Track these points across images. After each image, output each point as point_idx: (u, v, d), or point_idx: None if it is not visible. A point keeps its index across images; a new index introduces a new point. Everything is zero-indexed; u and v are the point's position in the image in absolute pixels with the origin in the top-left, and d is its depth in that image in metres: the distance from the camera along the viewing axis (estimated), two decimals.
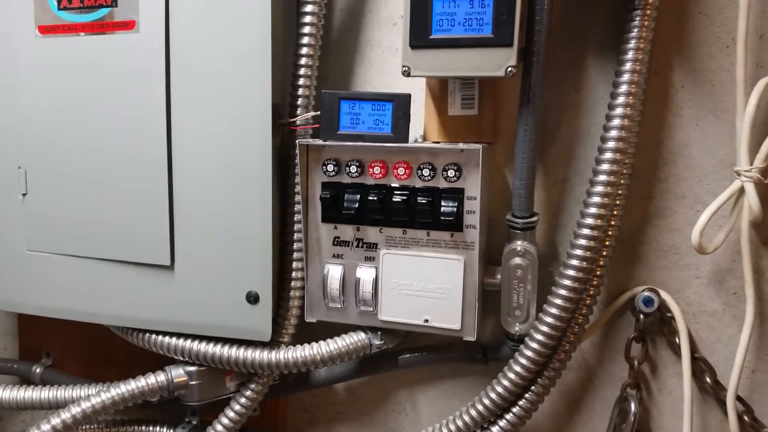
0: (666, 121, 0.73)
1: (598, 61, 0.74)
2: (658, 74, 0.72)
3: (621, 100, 0.65)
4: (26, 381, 1.01)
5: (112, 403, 0.77)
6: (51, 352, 1.02)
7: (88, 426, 0.90)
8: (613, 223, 0.70)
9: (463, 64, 0.65)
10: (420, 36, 0.65)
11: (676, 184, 0.74)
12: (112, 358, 0.98)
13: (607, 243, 0.71)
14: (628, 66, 0.65)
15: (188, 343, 0.78)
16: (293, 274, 0.78)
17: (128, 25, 0.73)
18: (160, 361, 0.82)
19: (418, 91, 0.77)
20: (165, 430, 0.90)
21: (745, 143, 0.66)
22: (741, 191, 0.67)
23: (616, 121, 0.65)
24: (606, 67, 0.73)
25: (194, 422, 0.90)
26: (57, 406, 0.84)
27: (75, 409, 0.76)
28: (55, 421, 0.76)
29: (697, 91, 0.71)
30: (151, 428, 0.92)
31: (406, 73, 0.66)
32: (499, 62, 0.63)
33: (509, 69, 0.63)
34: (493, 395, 0.73)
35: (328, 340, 0.78)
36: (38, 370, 1.00)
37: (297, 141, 0.72)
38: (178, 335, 0.79)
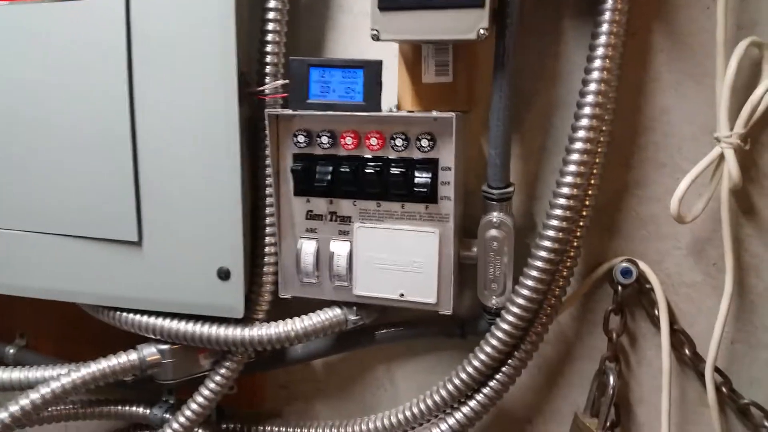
0: (644, 86, 0.71)
1: (576, 24, 0.71)
2: (636, 36, 0.70)
3: (597, 63, 0.63)
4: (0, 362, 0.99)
5: (82, 383, 0.76)
6: (25, 332, 1.00)
7: (62, 407, 0.88)
8: (590, 192, 0.69)
9: (433, 27, 0.62)
10: None
11: (656, 151, 0.72)
12: (88, 338, 0.96)
13: (584, 213, 0.69)
14: (604, 27, 0.63)
15: (159, 321, 0.77)
16: (266, 249, 0.76)
17: None
18: (136, 339, 0.80)
19: (391, 57, 0.75)
20: (141, 409, 0.88)
21: (725, 108, 0.64)
22: (721, 158, 0.65)
23: (593, 86, 0.63)
24: (584, 31, 0.70)
25: (171, 401, 0.88)
26: (28, 386, 0.82)
27: (44, 390, 0.74)
28: (24, 401, 0.74)
29: (677, 54, 0.69)
30: (127, 408, 0.90)
31: (375, 37, 0.64)
32: (471, 24, 0.61)
33: (481, 31, 0.61)
34: (470, 369, 0.71)
35: (303, 317, 0.76)
36: (11, 351, 0.98)
37: (266, 111, 0.70)
38: (149, 313, 0.77)
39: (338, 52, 0.79)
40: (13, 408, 0.74)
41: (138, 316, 0.78)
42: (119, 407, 0.90)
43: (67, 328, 0.98)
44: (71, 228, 0.76)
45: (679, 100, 0.70)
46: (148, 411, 0.87)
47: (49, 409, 0.84)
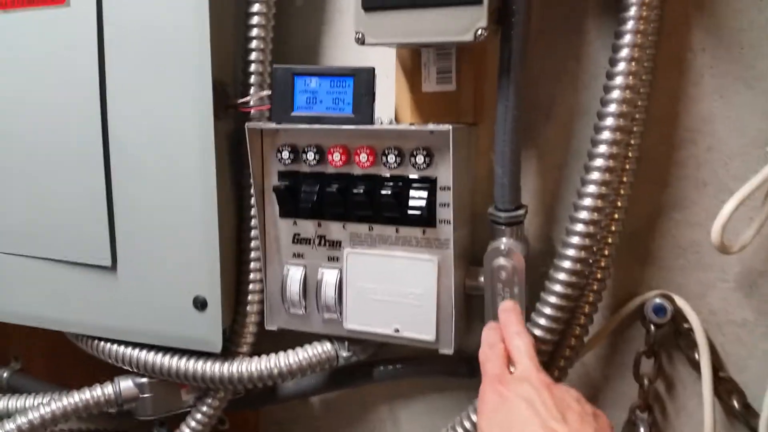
0: (683, 92, 0.60)
1: (600, 23, 0.61)
2: (672, 36, 0.59)
3: (621, 67, 0.53)
4: None
5: (51, 419, 0.70)
6: (19, 356, 0.96)
7: None
8: (616, 216, 0.59)
9: (425, 28, 0.54)
10: None
11: (696, 168, 0.61)
12: (80, 362, 0.91)
13: (610, 240, 0.59)
14: (630, 25, 0.53)
15: (136, 352, 0.70)
16: (251, 276, 0.69)
17: None
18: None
19: (392, 64, 0.67)
20: None
21: None
22: None
23: (616, 93, 0.54)
24: (608, 29, 0.60)
25: None
26: (8, 416, 0.78)
27: (8, 426, 0.69)
28: None
29: (722, 54, 0.58)
30: None
31: (360, 41, 0.56)
32: (468, 23, 0.52)
33: (480, 31, 0.52)
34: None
35: (289, 351, 0.69)
36: (5, 375, 0.93)
37: (246, 125, 0.63)
38: (127, 343, 0.71)
39: (335, 59, 0.72)
40: None
41: (115, 346, 0.72)
42: None
43: (60, 352, 0.93)
44: (43, 250, 0.71)
45: (724, 108, 0.59)
46: None
47: None
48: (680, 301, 0.62)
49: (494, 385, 0.48)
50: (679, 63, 0.60)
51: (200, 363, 0.68)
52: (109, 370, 0.75)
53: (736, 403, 0.61)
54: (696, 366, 0.63)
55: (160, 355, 0.69)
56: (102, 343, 0.72)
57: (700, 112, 0.60)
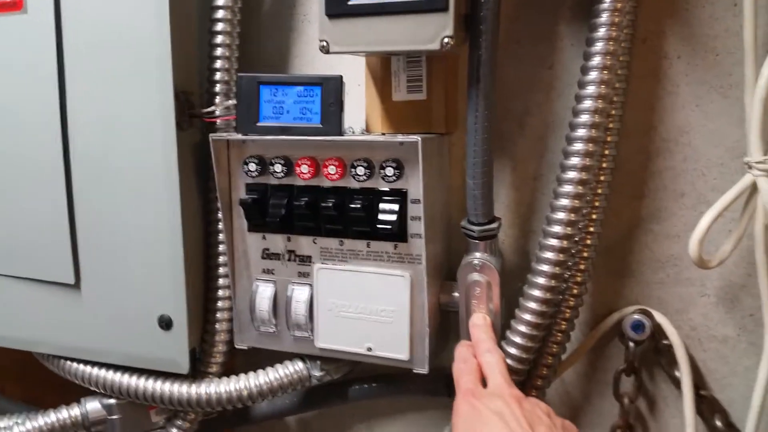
0: (658, 102, 0.59)
1: (574, 29, 0.60)
2: (646, 43, 0.58)
3: (593, 75, 0.52)
4: None
5: None
6: None
7: None
8: (591, 229, 0.57)
9: (390, 36, 0.52)
10: (338, 2, 0.52)
11: (673, 179, 0.59)
12: (51, 383, 0.88)
13: (585, 254, 0.58)
14: (601, 32, 0.51)
15: (102, 373, 0.68)
16: (219, 293, 0.67)
17: (16, 5, 0.62)
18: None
19: (361, 72, 0.65)
20: None
21: (757, 127, 0.51)
22: (753, 188, 0.53)
23: (588, 103, 0.52)
24: (582, 36, 0.59)
25: None
26: None
27: None
28: None
29: (698, 62, 0.57)
30: None
31: (324, 50, 0.54)
32: (434, 32, 0.51)
33: (446, 40, 0.50)
34: None
35: (259, 371, 0.66)
36: None
37: (210, 136, 0.61)
38: (93, 363, 0.69)
39: (305, 66, 0.70)
40: None
41: (81, 366, 0.69)
42: None
43: (31, 371, 0.90)
44: (4, 267, 0.68)
45: (701, 118, 0.58)
46: None
47: None
48: (659, 317, 0.60)
49: (468, 398, 0.50)
50: (654, 71, 0.58)
51: (167, 384, 0.66)
52: (81, 391, 0.72)
53: (719, 423, 0.59)
54: (678, 383, 0.61)
55: (126, 375, 0.67)
56: (68, 363, 0.70)
57: (676, 121, 0.59)
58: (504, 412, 0.47)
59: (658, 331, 0.60)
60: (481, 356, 0.54)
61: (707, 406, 0.60)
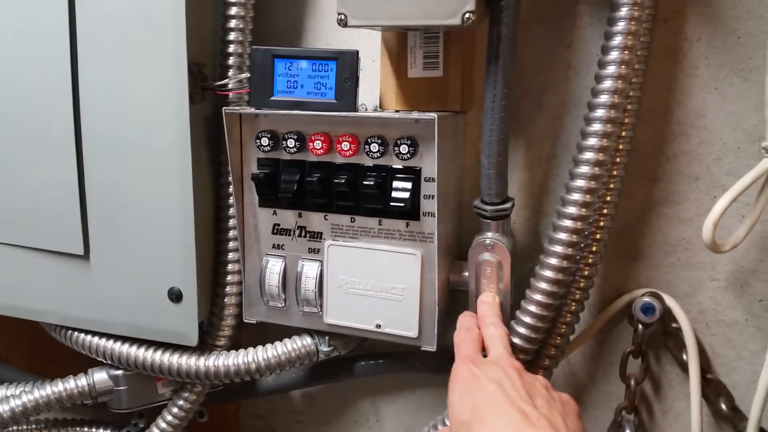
0: (677, 84, 0.58)
1: (595, 8, 0.59)
2: (667, 23, 0.57)
3: (614, 55, 0.51)
4: None
5: (22, 412, 0.68)
6: None
7: (24, 426, 0.81)
8: (605, 211, 0.57)
9: (411, 10, 0.51)
10: None
11: (688, 163, 0.59)
12: (57, 352, 0.88)
13: (598, 236, 0.57)
14: (623, 11, 0.51)
15: (110, 344, 0.68)
16: (229, 267, 0.66)
17: None
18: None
19: (378, 48, 0.64)
20: None
21: None
22: None
23: (608, 83, 0.51)
24: (603, 16, 0.58)
25: (141, 425, 0.80)
26: None
27: None
28: None
29: (718, 44, 0.56)
30: (93, 430, 0.82)
31: (342, 23, 0.53)
32: (455, 6, 0.50)
33: (467, 15, 0.50)
34: None
35: (267, 346, 0.67)
36: None
37: (223, 109, 0.60)
38: (101, 334, 0.69)
39: (319, 41, 0.69)
40: None
41: (89, 337, 0.69)
42: (86, 428, 0.83)
43: (37, 341, 0.90)
44: (14, 237, 0.68)
45: (719, 101, 0.57)
46: None
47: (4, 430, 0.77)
48: (669, 300, 0.60)
49: (467, 364, 0.50)
50: (674, 53, 0.58)
51: (176, 356, 0.66)
52: (87, 362, 0.72)
53: (724, 406, 0.60)
54: (684, 366, 0.61)
55: (135, 347, 0.67)
56: (76, 333, 0.70)
57: (694, 104, 0.58)
58: (503, 381, 0.46)
59: (667, 315, 0.60)
60: (485, 328, 0.54)
61: (713, 389, 0.60)
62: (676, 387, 0.63)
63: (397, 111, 0.62)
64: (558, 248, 0.54)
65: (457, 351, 0.52)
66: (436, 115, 0.54)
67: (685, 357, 0.59)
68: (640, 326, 0.60)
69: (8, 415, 0.69)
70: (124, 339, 0.68)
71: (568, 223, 0.53)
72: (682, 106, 0.58)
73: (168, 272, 0.63)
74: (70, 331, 0.71)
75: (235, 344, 0.69)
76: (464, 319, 0.56)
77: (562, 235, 0.53)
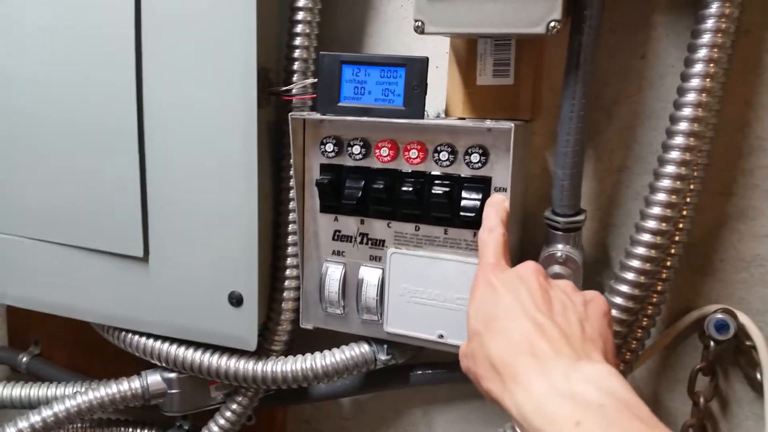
0: (757, 98, 0.57)
1: (670, 19, 0.58)
2: (749, 35, 0.56)
3: (699, 68, 0.50)
4: (13, 369, 0.93)
5: (77, 412, 0.68)
6: (39, 339, 0.94)
7: (70, 425, 0.81)
8: (681, 226, 0.56)
9: (492, 18, 0.50)
10: None
11: (765, 178, 0.58)
12: (101, 351, 0.88)
13: (673, 251, 0.56)
14: (710, 23, 0.49)
15: (165, 347, 0.68)
16: (287, 273, 0.66)
17: None
18: (148, 361, 0.71)
19: (442, 55, 0.63)
20: None
21: None
22: None
23: (692, 96, 0.50)
24: (679, 27, 0.57)
25: (186, 426, 0.80)
26: (29, 406, 0.76)
27: (21, 424, 0.67)
28: (23, 424, 0.67)
29: None
30: (138, 430, 0.82)
31: (420, 30, 0.53)
32: (540, 15, 0.49)
33: (552, 24, 0.49)
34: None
35: (326, 352, 0.66)
36: (24, 359, 0.91)
37: (289, 114, 0.60)
38: (156, 337, 0.69)
39: (380, 47, 0.69)
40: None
41: (143, 339, 0.69)
42: (130, 429, 0.83)
43: (80, 339, 0.90)
44: (72, 238, 0.68)
45: None
46: None
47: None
48: (743, 318, 0.58)
49: (486, 273, 0.46)
50: (754, 65, 0.56)
51: (233, 361, 0.66)
52: (129, 362, 0.72)
53: None
54: (754, 385, 0.60)
55: (191, 350, 0.67)
56: (130, 335, 0.70)
57: None
58: (519, 290, 0.43)
59: (741, 332, 0.58)
60: (481, 232, 0.50)
61: None
62: (745, 406, 0.62)
63: (462, 119, 0.61)
64: (636, 263, 0.53)
65: (480, 254, 0.49)
66: (512, 125, 0.53)
67: (759, 376, 0.58)
68: (711, 343, 0.59)
69: (63, 415, 0.69)
70: (179, 342, 0.68)
71: (647, 237, 0.52)
72: (760, 120, 0.57)
73: (229, 276, 0.63)
74: (123, 333, 0.70)
75: (286, 352, 0.69)
76: (489, 217, 0.51)
77: (641, 250, 0.52)
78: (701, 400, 0.60)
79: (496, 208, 0.52)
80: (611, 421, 0.34)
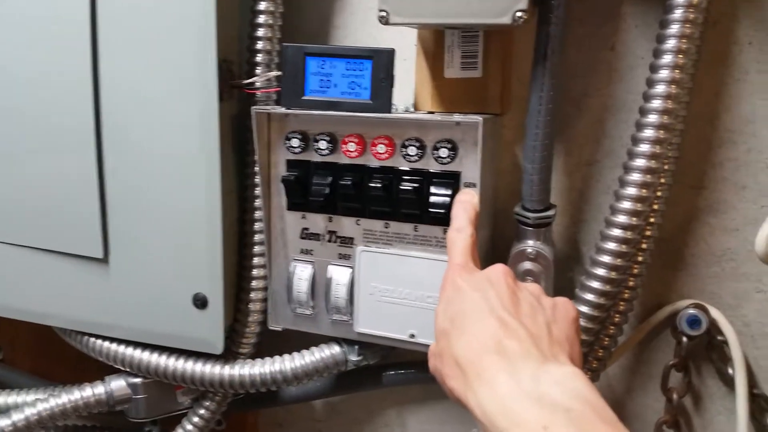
0: (725, 89, 0.56)
1: (640, 10, 0.57)
2: (717, 26, 0.55)
3: (668, 59, 0.49)
4: None
5: (37, 421, 0.65)
6: (0, 345, 0.90)
7: None
8: (652, 220, 0.55)
9: (458, 8, 0.49)
10: None
11: (735, 170, 0.57)
12: (64, 355, 0.86)
13: (644, 246, 0.55)
14: (678, 13, 0.49)
15: (129, 351, 0.66)
16: (254, 272, 0.64)
17: None
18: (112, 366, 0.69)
19: (410, 46, 0.62)
20: None
21: None
22: None
23: (661, 88, 0.49)
24: (648, 18, 0.56)
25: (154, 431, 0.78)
26: None
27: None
28: None
29: None
30: None
31: (384, 20, 0.51)
32: (506, 5, 0.48)
33: (518, 14, 0.48)
34: None
35: (294, 354, 0.64)
36: None
37: (252, 108, 0.58)
38: (119, 341, 0.66)
39: (347, 38, 0.67)
40: None
41: (106, 343, 0.67)
42: None
43: (43, 343, 0.88)
44: (30, 239, 0.65)
45: None
46: None
47: None
48: (715, 313, 0.58)
49: (454, 275, 0.46)
50: (723, 57, 0.56)
51: (199, 364, 0.64)
52: (95, 366, 0.70)
53: None
54: (726, 380, 0.59)
55: (155, 354, 0.65)
56: (93, 339, 0.67)
57: (742, 111, 0.56)
58: (486, 290, 0.43)
59: (713, 327, 0.58)
60: (449, 231, 0.50)
61: (757, 405, 0.59)
62: (717, 401, 0.61)
63: (432, 112, 0.59)
64: (606, 258, 0.52)
65: (448, 254, 0.48)
66: (480, 119, 0.52)
67: (730, 371, 0.57)
68: (684, 338, 0.58)
69: (23, 424, 0.66)
70: (144, 345, 0.66)
71: (617, 232, 0.51)
72: (730, 112, 0.56)
73: (193, 278, 0.61)
74: (86, 337, 0.68)
75: (254, 354, 0.67)
76: (457, 217, 0.50)
77: (611, 245, 0.52)
78: (674, 396, 0.60)
79: (465, 206, 0.51)
80: (578, 426, 0.33)
